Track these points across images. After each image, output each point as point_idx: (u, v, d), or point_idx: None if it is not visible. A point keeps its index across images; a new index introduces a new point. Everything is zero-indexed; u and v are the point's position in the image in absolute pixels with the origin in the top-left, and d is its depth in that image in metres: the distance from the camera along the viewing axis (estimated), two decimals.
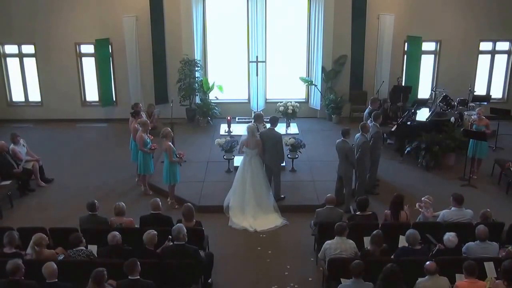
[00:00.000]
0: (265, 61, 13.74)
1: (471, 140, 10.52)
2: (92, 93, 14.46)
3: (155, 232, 6.70)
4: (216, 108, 13.79)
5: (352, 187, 9.65)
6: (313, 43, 13.91)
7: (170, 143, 9.35)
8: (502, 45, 14.27)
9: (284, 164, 10.28)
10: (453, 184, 10.34)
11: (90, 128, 14.02)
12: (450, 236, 6.61)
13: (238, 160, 10.20)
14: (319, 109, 14.27)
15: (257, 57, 13.39)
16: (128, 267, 5.83)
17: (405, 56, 14.15)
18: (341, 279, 6.25)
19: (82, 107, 14.43)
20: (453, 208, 7.71)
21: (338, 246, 6.78)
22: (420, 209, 7.90)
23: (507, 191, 10.11)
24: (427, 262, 5.99)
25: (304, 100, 14.36)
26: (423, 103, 13.07)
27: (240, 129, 11.36)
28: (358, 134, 9.53)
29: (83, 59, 14.20)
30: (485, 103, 13.23)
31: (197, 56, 13.69)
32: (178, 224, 6.86)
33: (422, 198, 7.94)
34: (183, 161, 9.66)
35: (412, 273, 6.11)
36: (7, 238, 6.61)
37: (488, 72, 14.45)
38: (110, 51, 13.97)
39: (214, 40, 14.22)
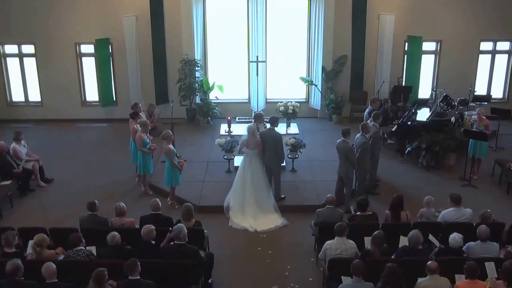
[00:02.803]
0: (265, 61, 13.73)
1: (471, 140, 10.51)
2: (92, 93, 14.45)
3: (153, 227, 6.71)
4: (216, 108, 13.78)
5: (353, 187, 9.64)
6: (313, 43, 13.90)
7: (170, 146, 9.31)
8: (503, 45, 14.26)
9: (284, 164, 10.27)
10: (454, 184, 10.32)
11: (90, 128, 14.00)
12: (456, 237, 6.62)
13: (238, 160, 10.19)
14: (320, 109, 14.26)
15: (257, 57, 13.38)
16: (128, 267, 5.83)
17: (406, 56, 14.14)
18: (342, 277, 6.25)
19: (82, 107, 14.43)
20: (451, 208, 7.70)
21: (339, 246, 6.78)
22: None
23: (507, 191, 10.10)
24: (429, 261, 5.99)
25: (304, 100, 14.35)
26: (423, 103, 13.04)
27: (240, 129, 11.37)
28: (358, 135, 9.51)
29: (83, 59, 14.19)
30: (486, 103, 13.21)
31: (197, 56, 13.68)
32: (178, 224, 6.86)
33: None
34: (181, 169, 9.56)
35: (413, 273, 6.10)
36: (4, 239, 6.60)
37: (488, 72, 14.45)
38: (110, 51, 13.96)
39: (214, 40, 14.21)
